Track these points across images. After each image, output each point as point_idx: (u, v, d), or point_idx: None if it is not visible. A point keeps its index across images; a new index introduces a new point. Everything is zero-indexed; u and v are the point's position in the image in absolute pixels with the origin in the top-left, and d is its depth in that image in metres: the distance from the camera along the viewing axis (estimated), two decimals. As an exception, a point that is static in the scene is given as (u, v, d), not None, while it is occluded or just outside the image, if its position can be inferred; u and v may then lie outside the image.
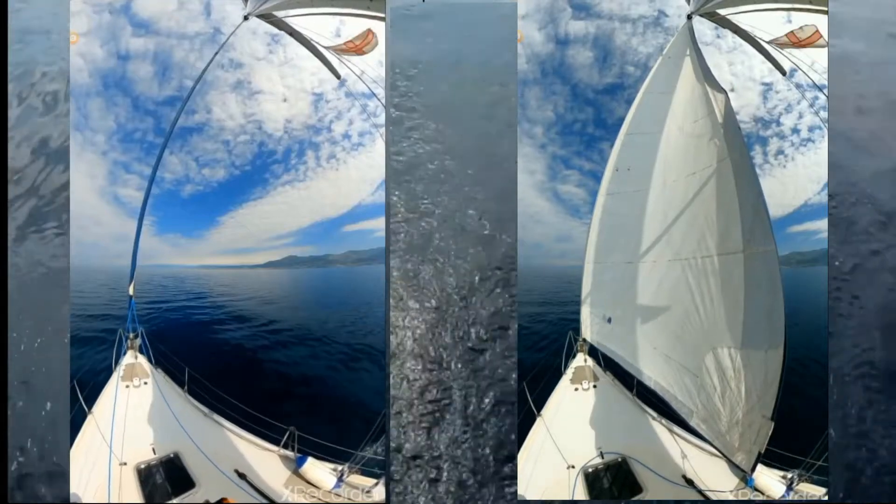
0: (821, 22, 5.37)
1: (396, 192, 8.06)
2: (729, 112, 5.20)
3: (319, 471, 4.69)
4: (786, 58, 5.72)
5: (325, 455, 4.79)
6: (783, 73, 5.88)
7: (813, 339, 5.64)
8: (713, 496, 4.64)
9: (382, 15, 5.59)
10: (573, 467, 4.96)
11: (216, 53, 6.26)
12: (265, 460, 4.87)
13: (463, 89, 10.60)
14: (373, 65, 5.93)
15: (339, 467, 4.63)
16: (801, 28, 5.40)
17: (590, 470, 4.98)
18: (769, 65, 6.02)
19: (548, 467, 4.96)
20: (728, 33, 6.12)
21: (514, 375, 5.80)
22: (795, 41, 5.45)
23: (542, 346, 7.29)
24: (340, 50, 6.06)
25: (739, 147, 5.03)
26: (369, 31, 5.73)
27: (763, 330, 4.59)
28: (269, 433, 5.02)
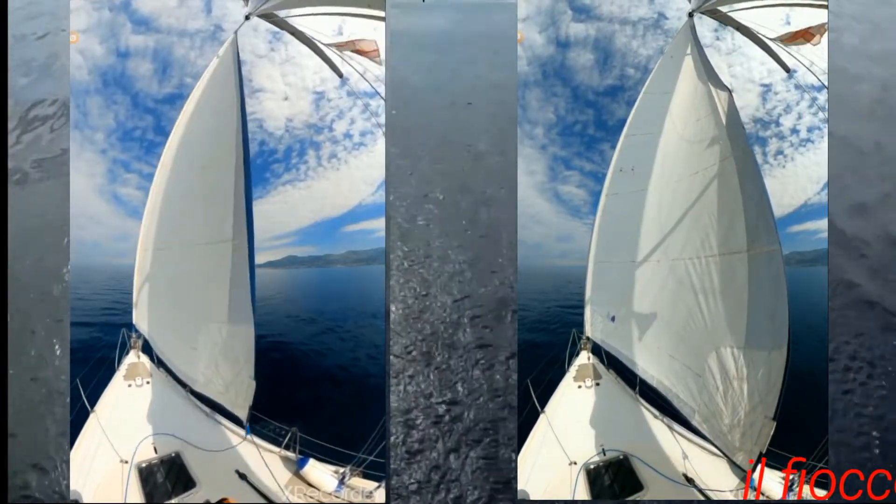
0: (822, 18, 5.32)
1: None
2: (732, 110, 5.18)
3: (320, 472, 4.67)
4: (789, 55, 5.68)
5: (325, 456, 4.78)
6: (787, 70, 5.84)
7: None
8: (713, 495, 4.65)
9: (383, 14, 5.52)
10: (575, 464, 4.98)
11: (216, 54, 6.20)
12: (266, 461, 4.85)
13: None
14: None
15: (342, 469, 4.61)
16: (808, 28, 5.33)
17: (591, 467, 5.00)
18: (768, 66, 5.99)
19: (550, 463, 4.99)
20: (727, 35, 6.10)
21: (514, 374, 5.79)
22: (802, 35, 5.35)
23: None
24: (342, 46, 5.99)
25: (742, 145, 5.02)
26: (376, 45, 5.64)
27: (766, 330, 4.59)
28: (271, 434, 5.01)
